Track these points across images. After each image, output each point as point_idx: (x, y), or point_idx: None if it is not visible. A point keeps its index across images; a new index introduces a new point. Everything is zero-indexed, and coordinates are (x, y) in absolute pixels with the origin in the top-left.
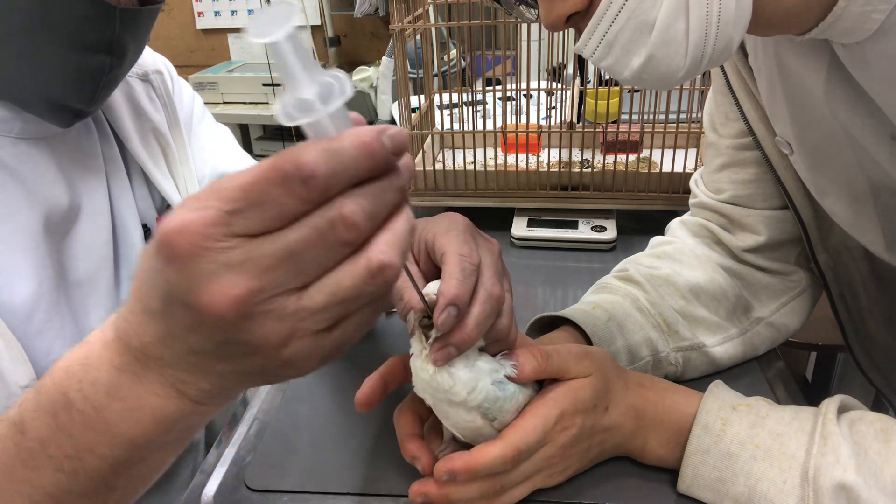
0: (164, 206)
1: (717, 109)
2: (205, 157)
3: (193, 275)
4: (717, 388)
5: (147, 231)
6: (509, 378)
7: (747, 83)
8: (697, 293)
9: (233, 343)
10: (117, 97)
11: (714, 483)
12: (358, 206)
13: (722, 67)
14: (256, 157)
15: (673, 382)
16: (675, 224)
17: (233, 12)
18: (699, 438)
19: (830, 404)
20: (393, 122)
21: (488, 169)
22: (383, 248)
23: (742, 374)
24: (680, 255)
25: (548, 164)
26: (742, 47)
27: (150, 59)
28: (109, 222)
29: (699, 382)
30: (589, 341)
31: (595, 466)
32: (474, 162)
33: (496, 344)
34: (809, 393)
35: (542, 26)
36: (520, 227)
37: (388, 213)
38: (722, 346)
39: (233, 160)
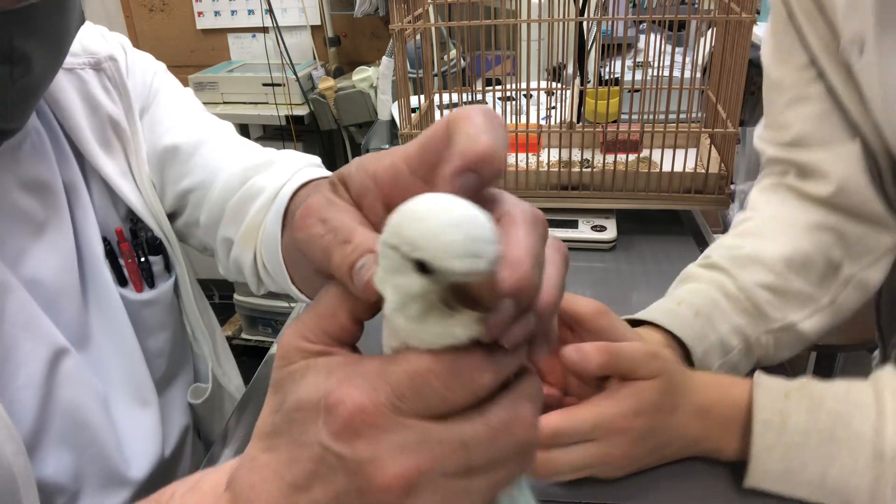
0: (128, 215)
1: (776, 47)
2: (159, 133)
3: (366, 451)
4: (762, 379)
5: (108, 245)
6: None
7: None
8: (784, 264)
9: None
10: (70, 94)
11: (784, 475)
12: (530, 407)
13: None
14: None
15: (734, 377)
16: (753, 193)
17: (233, 12)
18: (761, 437)
19: (887, 376)
20: (393, 122)
21: None
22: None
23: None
24: (762, 228)
25: (548, 163)
26: None
27: (104, 43)
28: (72, 237)
29: None
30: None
31: None
32: None
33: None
34: None
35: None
36: None
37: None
38: (810, 319)
39: (187, 131)
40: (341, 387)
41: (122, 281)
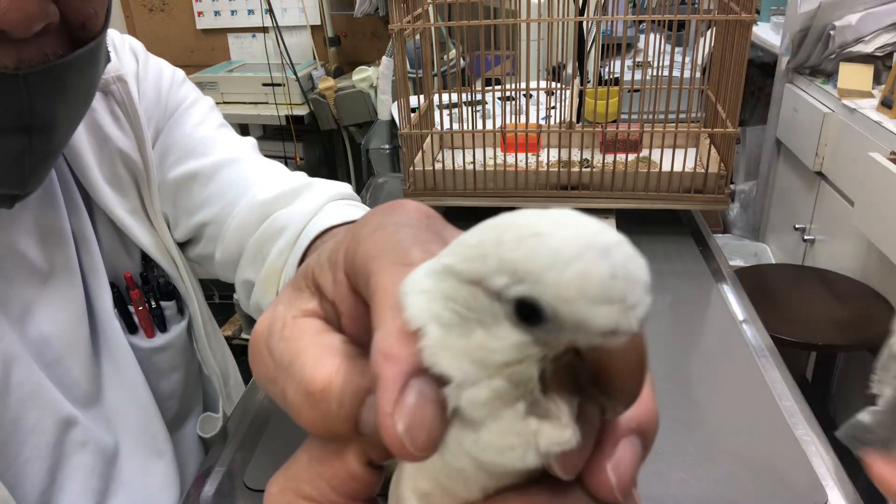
0: (141, 258)
1: None
2: (172, 160)
3: None
4: None
5: (116, 292)
6: None
7: None
8: None
9: None
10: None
11: None
12: None
13: None
14: None
15: None
16: None
17: (233, 12)
18: None
19: None
20: (393, 122)
21: (488, 169)
22: None
23: (741, 373)
24: None
25: (547, 163)
26: None
27: (112, 57)
28: (82, 289)
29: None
30: None
31: None
32: (474, 162)
33: None
34: (809, 393)
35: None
36: None
37: None
38: None
39: (202, 157)
40: None
41: (131, 328)
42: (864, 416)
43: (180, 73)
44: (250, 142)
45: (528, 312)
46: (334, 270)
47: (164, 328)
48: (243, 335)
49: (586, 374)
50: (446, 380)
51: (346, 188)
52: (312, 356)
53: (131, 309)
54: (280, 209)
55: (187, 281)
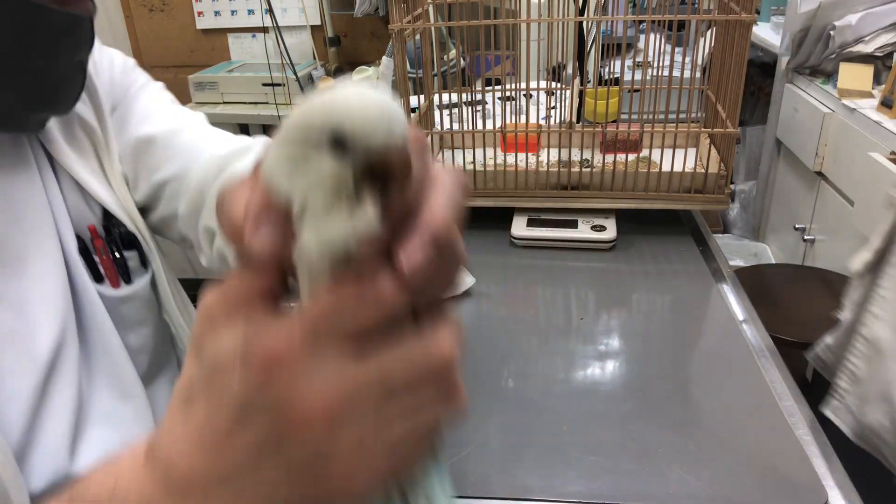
0: (103, 214)
1: None
2: (132, 125)
3: (284, 391)
4: None
5: (81, 242)
6: None
7: None
8: None
9: (315, 456)
10: None
11: None
12: (451, 337)
13: None
14: None
15: None
16: None
17: (233, 12)
18: None
19: None
20: None
21: (488, 169)
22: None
23: (741, 374)
24: None
25: (547, 163)
26: None
27: None
28: (55, 233)
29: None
30: None
31: (597, 465)
32: (474, 162)
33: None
34: (809, 393)
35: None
36: (519, 227)
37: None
38: None
39: (160, 121)
40: (257, 335)
41: (97, 277)
42: (829, 338)
43: (131, 60)
44: (202, 115)
45: (339, 144)
46: None
47: (128, 279)
48: None
49: (380, 175)
50: (292, 202)
51: None
52: (240, 202)
53: (96, 259)
54: (238, 160)
55: (147, 237)
